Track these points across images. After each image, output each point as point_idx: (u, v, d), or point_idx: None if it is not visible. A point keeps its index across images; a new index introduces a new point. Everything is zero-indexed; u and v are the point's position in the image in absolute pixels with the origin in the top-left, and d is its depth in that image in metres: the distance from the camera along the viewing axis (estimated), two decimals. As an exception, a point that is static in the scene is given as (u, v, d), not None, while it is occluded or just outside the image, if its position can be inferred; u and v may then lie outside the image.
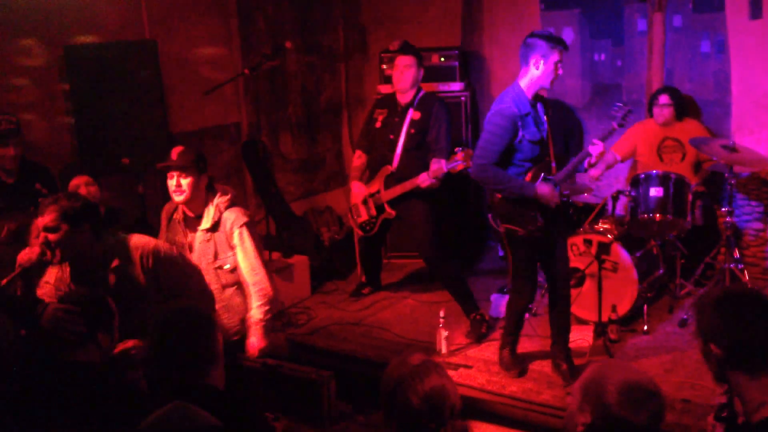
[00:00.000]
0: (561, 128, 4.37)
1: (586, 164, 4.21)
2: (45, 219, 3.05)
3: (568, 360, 4.36)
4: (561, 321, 4.41)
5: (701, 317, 2.29)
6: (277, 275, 5.37)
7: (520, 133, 4.03)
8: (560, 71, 4.07)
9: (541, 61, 4.02)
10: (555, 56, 4.01)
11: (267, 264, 3.90)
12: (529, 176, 4.11)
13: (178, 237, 3.80)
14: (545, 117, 4.18)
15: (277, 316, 5.31)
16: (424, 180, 4.87)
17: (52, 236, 3.05)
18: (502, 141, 4.03)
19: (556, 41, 4.03)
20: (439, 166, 4.82)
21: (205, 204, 3.74)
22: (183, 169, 3.63)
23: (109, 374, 2.73)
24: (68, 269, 3.25)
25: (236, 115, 6.13)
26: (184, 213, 3.79)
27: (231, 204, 3.77)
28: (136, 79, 4.96)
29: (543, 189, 4.04)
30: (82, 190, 4.34)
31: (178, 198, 3.67)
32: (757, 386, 2.18)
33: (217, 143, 5.99)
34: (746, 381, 2.20)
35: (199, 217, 3.76)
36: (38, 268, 3.24)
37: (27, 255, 3.17)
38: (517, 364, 4.46)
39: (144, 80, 4.99)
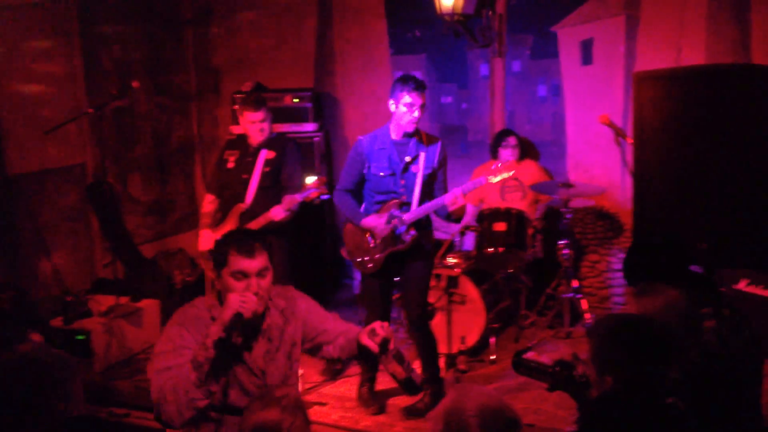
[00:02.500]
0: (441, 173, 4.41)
1: (452, 214, 4.33)
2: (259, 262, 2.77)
3: (438, 381, 4.47)
4: (423, 347, 4.46)
5: (599, 350, 2.36)
6: (125, 320, 5.19)
7: (366, 164, 4.28)
8: (415, 111, 4.13)
9: (393, 103, 4.17)
10: (404, 96, 4.12)
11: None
12: (381, 209, 4.28)
13: None
14: (413, 158, 4.23)
15: (126, 363, 5.13)
16: (277, 213, 4.83)
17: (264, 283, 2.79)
18: (351, 170, 4.38)
19: (405, 81, 4.14)
20: (292, 197, 4.82)
21: None
22: None
23: None
24: None
25: (81, 156, 5.90)
26: None
27: None
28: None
29: (368, 221, 4.27)
30: None
31: None
32: None
33: (60, 185, 5.73)
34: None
35: None
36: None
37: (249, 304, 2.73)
38: (374, 400, 4.49)
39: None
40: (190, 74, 7.01)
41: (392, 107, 4.20)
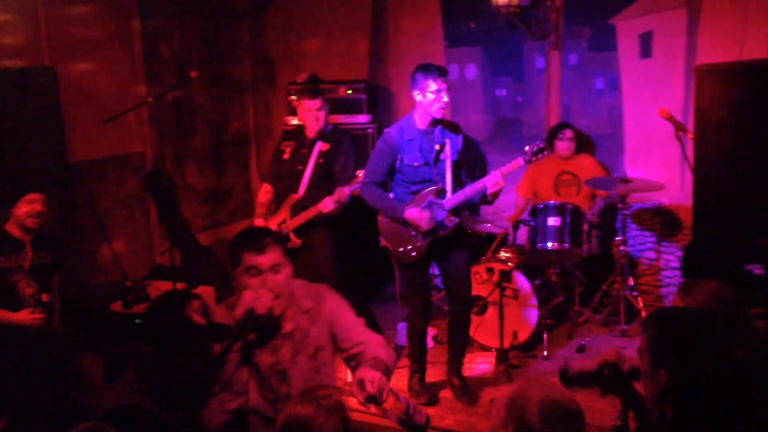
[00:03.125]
0: (465, 159, 4.45)
1: (489, 197, 4.29)
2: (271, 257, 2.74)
3: (460, 376, 4.52)
4: (457, 339, 4.52)
5: (653, 342, 2.32)
6: (181, 307, 5.26)
7: (399, 156, 4.28)
8: (444, 96, 4.17)
9: (418, 92, 4.20)
10: (430, 84, 4.15)
11: None
12: (416, 198, 4.29)
13: None
14: (441, 146, 4.28)
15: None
16: (326, 205, 4.88)
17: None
18: (381, 162, 4.38)
19: (427, 69, 4.18)
20: (342, 190, 4.87)
21: None
22: None
23: None
24: None
25: (140, 145, 6.02)
26: None
27: None
28: (33, 106, 4.82)
29: (410, 213, 4.25)
30: (36, 207, 4.18)
31: None
32: None
33: (120, 173, 5.86)
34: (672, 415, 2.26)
35: None
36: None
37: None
38: (425, 391, 4.50)
39: (42, 107, 4.87)
40: (246, 65, 7.08)
41: (418, 97, 4.22)
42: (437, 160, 4.30)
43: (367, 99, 6.35)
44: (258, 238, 2.77)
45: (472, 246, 5.09)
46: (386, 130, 4.42)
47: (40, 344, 2.32)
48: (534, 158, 4.22)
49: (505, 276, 4.93)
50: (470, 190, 4.24)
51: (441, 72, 4.16)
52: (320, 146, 5.10)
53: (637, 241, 5.88)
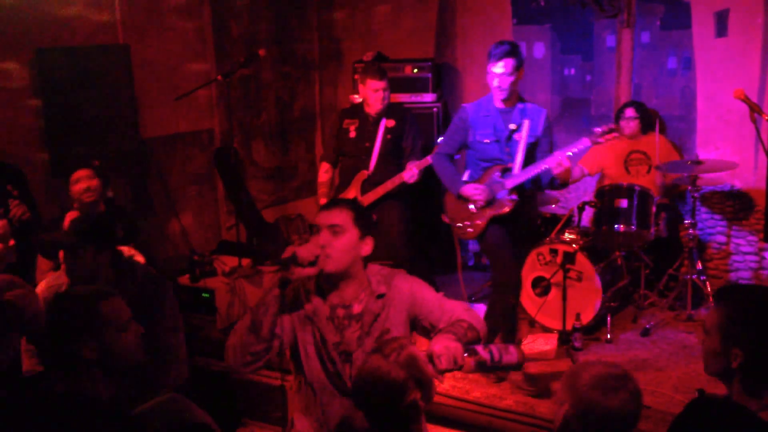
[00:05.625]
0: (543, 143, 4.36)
1: (557, 179, 4.18)
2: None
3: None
4: (503, 323, 4.35)
5: (728, 320, 2.26)
6: (247, 282, 5.39)
7: (471, 131, 4.30)
8: (495, 81, 4.14)
9: (488, 73, 4.19)
10: (490, 65, 4.15)
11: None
12: (482, 176, 4.30)
13: None
14: (517, 126, 4.23)
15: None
16: (411, 175, 4.95)
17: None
18: (454, 135, 4.43)
19: (490, 52, 4.15)
20: (420, 161, 4.92)
21: None
22: None
23: None
24: None
25: (209, 122, 6.14)
26: None
27: None
28: (108, 83, 4.97)
29: (466, 189, 4.27)
30: (83, 184, 4.34)
31: None
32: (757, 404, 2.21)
33: (189, 149, 6.00)
34: (742, 393, 2.24)
35: None
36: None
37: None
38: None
39: (116, 84, 5.01)
40: (314, 43, 7.13)
41: (487, 77, 4.21)
42: (509, 139, 4.25)
43: (433, 77, 6.33)
44: (334, 201, 2.84)
45: (536, 228, 5.02)
46: (463, 104, 4.44)
47: (61, 306, 2.48)
48: (601, 139, 4.12)
49: (569, 257, 4.87)
50: (532, 170, 4.18)
51: (498, 55, 4.10)
52: (386, 122, 5.15)
53: (707, 225, 5.74)
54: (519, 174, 4.21)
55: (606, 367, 2.15)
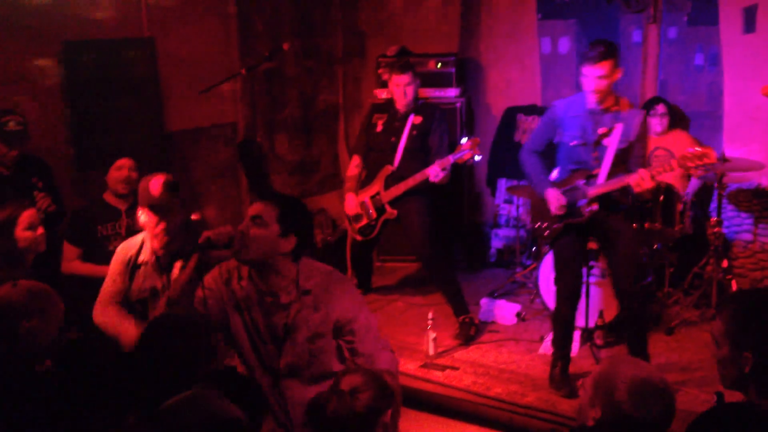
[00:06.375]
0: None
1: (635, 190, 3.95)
2: None
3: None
4: (629, 334, 4.28)
5: (737, 325, 2.24)
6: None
7: (559, 131, 4.15)
8: (590, 83, 3.93)
9: (581, 75, 4.02)
10: (585, 68, 3.94)
11: None
12: (567, 178, 4.18)
13: None
14: (608, 130, 4.02)
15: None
16: (435, 172, 4.82)
17: None
18: (541, 133, 4.27)
19: (584, 53, 3.99)
20: (445, 158, 4.85)
21: None
22: None
23: None
24: None
25: (233, 115, 6.16)
26: None
27: None
28: (133, 76, 5.02)
29: (550, 192, 4.12)
30: (124, 173, 4.36)
31: None
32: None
33: (213, 143, 6.02)
34: (758, 397, 2.21)
35: None
36: None
37: None
38: (567, 383, 4.20)
39: (141, 77, 5.06)
40: (337, 38, 7.12)
41: (584, 81, 4.00)
42: (598, 143, 4.04)
43: (457, 72, 6.31)
44: (264, 196, 2.99)
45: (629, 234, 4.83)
46: (554, 102, 4.26)
47: None
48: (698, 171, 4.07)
49: (594, 254, 4.84)
50: (615, 184, 3.97)
51: (591, 59, 3.90)
52: (413, 119, 5.14)
53: (733, 223, 5.66)
54: (602, 184, 4.02)
55: (642, 373, 2.13)
